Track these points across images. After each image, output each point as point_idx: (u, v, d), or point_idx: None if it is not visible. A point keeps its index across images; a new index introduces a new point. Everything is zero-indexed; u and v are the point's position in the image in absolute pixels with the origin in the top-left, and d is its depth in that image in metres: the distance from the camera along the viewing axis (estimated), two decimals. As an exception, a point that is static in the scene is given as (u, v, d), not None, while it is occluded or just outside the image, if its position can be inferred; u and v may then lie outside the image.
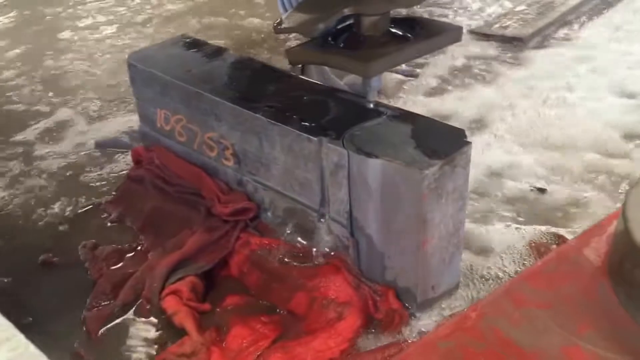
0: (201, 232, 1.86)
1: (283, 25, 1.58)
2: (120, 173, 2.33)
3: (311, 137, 1.63)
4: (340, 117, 1.71)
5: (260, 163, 1.81)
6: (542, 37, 3.19)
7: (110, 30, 3.75)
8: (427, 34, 1.60)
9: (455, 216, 1.61)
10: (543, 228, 1.98)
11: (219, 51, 2.12)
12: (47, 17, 4.02)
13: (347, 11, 1.53)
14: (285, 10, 1.75)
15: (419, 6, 3.46)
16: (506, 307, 1.67)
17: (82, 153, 2.50)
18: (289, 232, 1.82)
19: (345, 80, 2.63)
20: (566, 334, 1.60)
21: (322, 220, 1.71)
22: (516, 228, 1.99)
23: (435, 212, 1.54)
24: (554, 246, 1.92)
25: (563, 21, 3.29)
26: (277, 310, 1.73)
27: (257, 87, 1.89)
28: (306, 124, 1.68)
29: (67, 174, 2.39)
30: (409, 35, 1.63)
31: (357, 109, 1.74)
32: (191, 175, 2.01)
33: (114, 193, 2.23)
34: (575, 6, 3.38)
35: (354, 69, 1.55)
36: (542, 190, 2.13)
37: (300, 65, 2.45)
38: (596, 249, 1.80)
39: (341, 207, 1.65)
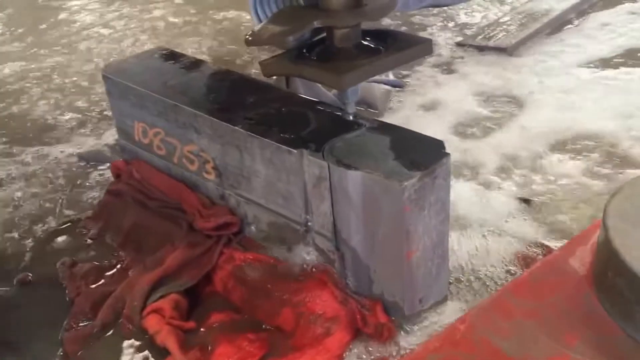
0: (183, 247, 1.83)
1: (254, 38, 1.55)
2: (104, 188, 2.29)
3: (291, 149, 1.60)
4: (320, 129, 1.68)
5: (241, 176, 1.78)
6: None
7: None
8: (399, 47, 1.58)
9: (438, 227, 1.59)
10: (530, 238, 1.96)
11: (196, 63, 2.09)
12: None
13: (317, 24, 1.51)
14: (260, 22, 1.72)
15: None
16: (494, 318, 1.65)
17: (64, 166, 2.46)
18: (273, 246, 1.79)
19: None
20: (554, 344, 1.59)
21: (306, 233, 1.68)
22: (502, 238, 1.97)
23: (418, 224, 1.51)
24: (541, 257, 1.91)
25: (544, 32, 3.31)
26: (264, 326, 1.70)
27: (235, 99, 1.86)
28: (286, 136, 1.66)
29: (47, 187, 2.35)
30: (381, 47, 1.61)
31: (336, 121, 1.71)
32: (172, 190, 1.98)
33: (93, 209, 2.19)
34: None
35: (327, 81, 1.54)
36: (527, 202, 2.11)
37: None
38: (581, 258, 1.80)
39: (325, 220, 1.63)
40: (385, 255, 1.56)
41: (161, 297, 1.73)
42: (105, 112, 2.81)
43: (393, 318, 1.63)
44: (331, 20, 1.51)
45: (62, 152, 2.57)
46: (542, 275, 1.75)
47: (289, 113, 1.76)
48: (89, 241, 2.08)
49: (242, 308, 1.75)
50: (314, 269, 1.68)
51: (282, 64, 1.59)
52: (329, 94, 2.50)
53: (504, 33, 3.28)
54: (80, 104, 2.96)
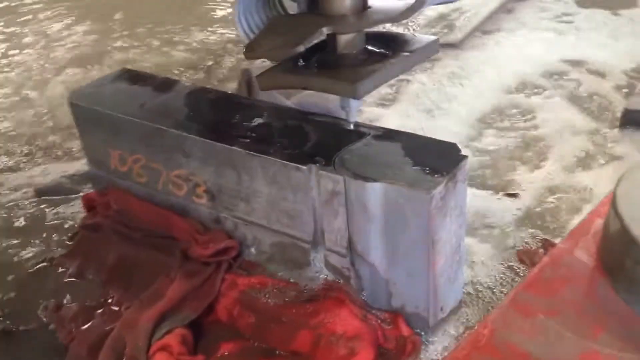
0: (181, 278, 1.72)
1: (253, 50, 1.47)
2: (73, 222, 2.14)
3: (300, 165, 1.52)
4: (324, 142, 1.62)
5: (239, 198, 1.69)
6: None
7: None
8: (406, 49, 1.53)
9: (457, 232, 1.55)
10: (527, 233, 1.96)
11: (168, 83, 1.98)
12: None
13: (326, 30, 1.44)
14: (246, 33, 1.63)
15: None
16: (515, 319, 1.62)
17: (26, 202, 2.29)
18: (278, 267, 1.70)
19: (293, 100, 2.54)
20: (581, 340, 1.57)
21: (316, 252, 1.61)
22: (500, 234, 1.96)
23: (442, 232, 1.47)
24: (541, 250, 1.90)
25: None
26: (277, 352, 1.61)
27: (223, 117, 1.76)
28: (289, 152, 1.58)
29: (11, 226, 2.18)
30: (387, 51, 1.55)
31: (337, 132, 1.65)
32: (158, 218, 1.86)
33: (68, 243, 2.04)
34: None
35: (340, 90, 1.46)
36: (513, 195, 2.10)
37: (246, 87, 2.34)
38: (586, 248, 1.79)
39: (339, 236, 1.56)
40: (409, 266, 1.50)
41: (166, 333, 1.61)
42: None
43: (416, 330, 1.57)
44: (340, 26, 1.44)
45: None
46: (552, 270, 1.73)
47: (285, 127, 1.69)
48: (69, 281, 1.93)
49: (252, 335, 1.66)
50: (329, 288, 1.61)
51: (282, 76, 1.51)
52: (287, 102, 2.44)
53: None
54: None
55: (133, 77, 2.04)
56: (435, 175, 1.44)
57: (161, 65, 3.23)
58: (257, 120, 1.72)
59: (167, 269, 1.77)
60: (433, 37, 1.56)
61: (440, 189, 1.41)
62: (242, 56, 2.96)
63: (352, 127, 1.64)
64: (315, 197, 1.56)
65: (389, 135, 1.61)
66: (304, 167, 1.52)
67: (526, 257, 1.89)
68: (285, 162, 1.54)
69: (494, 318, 1.65)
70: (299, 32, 1.43)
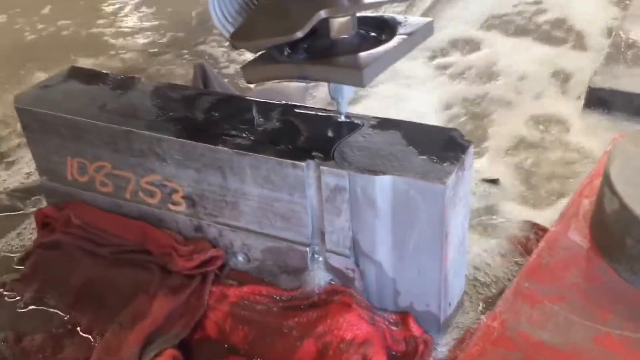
0: (165, 295, 1.57)
1: (250, 39, 1.34)
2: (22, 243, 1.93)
3: (297, 162, 1.41)
4: (317, 135, 1.50)
5: (224, 202, 1.55)
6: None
7: None
8: (402, 32, 1.44)
9: (463, 223, 1.48)
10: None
11: (128, 81, 1.81)
12: None
13: (323, 14, 1.33)
14: (221, 22, 1.50)
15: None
16: (522, 309, 1.57)
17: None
18: (271, 275, 1.58)
19: (250, 95, 2.41)
20: (591, 324, 1.54)
21: (316, 254, 1.50)
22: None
23: (452, 223, 1.39)
24: (532, 236, 1.86)
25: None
26: (278, 365, 1.49)
27: (200, 114, 1.62)
28: (282, 148, 1.46)
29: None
30: (381, 35, 1.46)
31: (329, 124, 1.54)
32: (129, 230, 1.70)
33: (17, 267, 1.84)
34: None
35: (344, 78, 1.35)
36: (494, 182, 2.06)
37: (200, 78, 2.20)
38: (579, 230, 1.78)
39: (341, 237, 1.45)
40: (419, 262, 1.42)
41: (155, 355, 1.46)
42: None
43: (426, 328, 1.49)
44: (337, 8, 1.32)
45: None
46: (550, 255, 1.70)
47: (272, 122, 1.56)
48: (25, 308, 1.73)
49: (248, 350, 1.53)
50: (332, 292, 1.50)
51: (272, 67, 1.39)
52: (236, 93, 2.32)
53: None
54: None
55: (85, 76, 1.86)
56: (445, 164, 1.36)
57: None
58: (239, 116, 1.58)
59: (145, 285, 1.62)
60: (427, 19, 1.47)
61: (453, 178, 1.33)
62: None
63: (343, 118, 1.54)
64: (314, 196, 1.44)
65: (385, 124, 1.52)
66: (302, 164, 1.40)
67: (518, 243, 1.84)
68: (280, 159, 1.42)
69: (502, 309, 1.59)
70: (295, 16, 1.31)
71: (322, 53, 1.40)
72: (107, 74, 1.85)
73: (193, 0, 3.46)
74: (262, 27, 1.37)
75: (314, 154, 1.42)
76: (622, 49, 2.57)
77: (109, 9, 3.64)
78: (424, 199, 1.33)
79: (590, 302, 1.58)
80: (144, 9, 3.60)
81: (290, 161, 1.41)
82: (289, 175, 1.43)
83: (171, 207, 1.64)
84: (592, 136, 2.28)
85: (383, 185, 1.35)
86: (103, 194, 1.72)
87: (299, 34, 1.29)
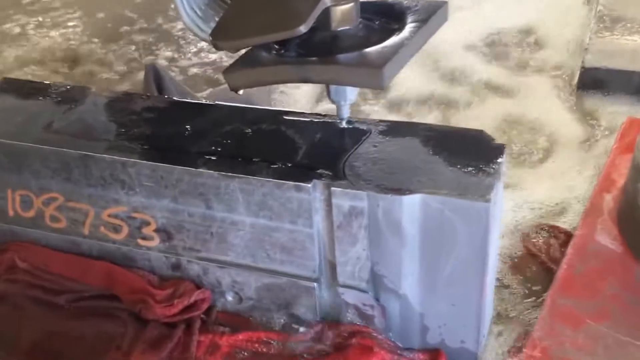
0: (142, 350, 1.29)
1: (240, 37, 1.07)
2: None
3: (300, 183, 1.15)
4: (319, 148, 1.25)
5: (208, 234, 1.28)
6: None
7: None
8: (414, 19, 1.19)
9: (496, 241, 1.25)
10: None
11: (74, 92, 1.51)
12: None
13: (329, 1, 1.07)
14: (189, 17, 1.23)
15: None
16: (563, 332, 1.35)
17: None
18: (271, 315, 1.32)
19: (209, 94, 2.14)
20: (645, 345, 1.35)
21: (325, 290, 1.25)
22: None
23: (492, 244, 1.16)
24: (553, 240, 1.65)
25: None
26: None
27: (171, 129, 1.34)
28: (279, 166, 1.20)
29: None
30: (389, 24, 1.21)
31: (330, 132, 1.29)
32: (90, 273, 1.41)
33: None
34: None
35: (359, 79, 1.10)
36: None
37: (153, 82, 1.92)
38: (606, 231, 1.57)
39: (357, 268, 1.21)
40: (454, 293, 1.19)
41: None
42: None
43: (461, 368, 1.26)
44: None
45: None
46: (581, 263, 1.50)
47: (260, 134, 1.30)
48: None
49: (249, 409, 1.27)
50: (349, 334, 1.25)
51: (264, 70, 1.12)
52: (196, 96, 2.05)
53: None
54: None
55: (19, 88, 1.54)
56: (482, 175, 1.13)
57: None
58: (219, 129, 1.31)
59: (117, 340, 1.33)
60: (440, 1, 1.23)
61: (495, 193, 1.10)
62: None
63: (344, 124, 1.29)
64: (322, 222, 1.19)
65: (396, 128, 1.28)
66: (307, 185, 1.15)
67: (535, 248, 1.63)
68: (279, 180, 1.16)
69: (541, 334, 1.37)
70: (293, 7, 1.05)
71: (322, 49, 1.14)
72: (48, 84, 1.55)
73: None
74: (253, 21, 1.10)
75: (319, 171, 1.17)
76: (608, 23, 2.38)
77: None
78: (463, 220, 1.09)
79: (638, 317, 1.39)
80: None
81: (292, 183, 1.15)
82: (291, 200, 1.17)
83: (141, 242, 1.36)
84: (594, 122, 2.08)
85: (412, 206, 1.11)
86: (55, 230, 1.42)
87: (303, 28, 1.03)
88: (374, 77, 1.05)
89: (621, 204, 1.58)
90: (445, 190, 1.10)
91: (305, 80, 1.11)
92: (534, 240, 1.64)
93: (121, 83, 2.44)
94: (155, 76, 1.94)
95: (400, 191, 1.10)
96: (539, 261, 1.61)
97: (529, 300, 1.51)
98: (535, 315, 1.47)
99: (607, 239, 1.55)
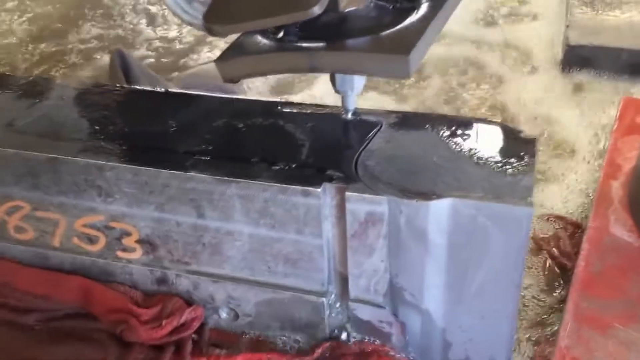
0: (128, 379, 1.13)
1: (233, 23, 0.91)
2: None
3: (308, 187, 1.00)
4: (325, 145, 1.10)
5: (200, 245, 1.12)
6: None
7: None
8: (430, -4, 1.04)
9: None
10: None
11: (39, 83, 1.33)
12: None
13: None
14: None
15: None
16: (592, 338, 1.23)
17: None
18: (272, 334, 1.18)
19: (175, 83, 1.97)
20: (680, 348, 1.24)
21: (336, 305, 1.11)
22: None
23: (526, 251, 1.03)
24: (562, 234, 1.54)
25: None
26: None
27: (152, 125, 1.17)
28: (282, 167, 1.04)
29: None
30: (406, 3, 1.05)
31: (334, 125, 1.14)
32: (62, 289, 1.24)
33: None
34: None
35: (381, 68, 0.94)
36: None
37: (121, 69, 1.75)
38: (620, 222, 1.46)
39: (373, 281, 1.06)
40: (484, 306, 1.05)
41: None
42: None
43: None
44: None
45: None
46: (599, 259, 1.39)
47: (253, 130, 1.14)
48: None
49: None
50: (362, 354, 1.11)
51: (267, 57, 0.96)
52: (168, 84, 1.89)
53: None
54: None
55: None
56: (518, 174, 0.99)
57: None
58: (208, 124, 1.15)
59: (95, 365, 1.17)
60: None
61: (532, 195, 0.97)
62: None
63: (350, 116, 1.13)
64: (331, 230, 1.05)
65: (410, 120, 1.13)
66: (317, 190, 0.99)
67: (544, 242, 1.52)
68: (284, 185, 1.01)
69: (568, 343, 1.25)
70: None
71: (330, 33, 0.99)
72: (7, 75, 1.36)
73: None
74: (255, 2, 0.93)
75: (329, 172, 1.02)
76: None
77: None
78: (500, 227, 0.95)
79: (669, 317, 1.28)
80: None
81: (299, 187, 1.00)
82: (298, 206, 1.02)
83: (121, 254, 1.19)
84: (584, 104, 1.97)
85: (439, 212, 0.96)
86: (20, 242, 1.25)
87: (317, 9, 0.88)
88: (399, 65, 0.89)
89: (632, 191, 1.48)
90: (478, 194, 0.96)
91: (312, 70, 0.96)
92: (542, 234, 1.52)
93: (83, 69, 2.25)
94: (122, 62, 1.76)
95: (426, 195, 0.96)
96: (551, 256, 1.50)
97: (546, 300, 1.40)
98: (555, 317, 1.36)
99: (622, 230, 1.45)
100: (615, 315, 1.28)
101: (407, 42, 0.91)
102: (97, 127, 1.17)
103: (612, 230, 1.45)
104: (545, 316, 1.37)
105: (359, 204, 0.99)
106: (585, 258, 1.40)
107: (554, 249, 1.50)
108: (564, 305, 1.33)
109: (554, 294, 1.41)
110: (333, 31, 0.99)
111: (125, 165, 1.08)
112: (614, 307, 1.30)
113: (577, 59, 2.10)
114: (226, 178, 1.03)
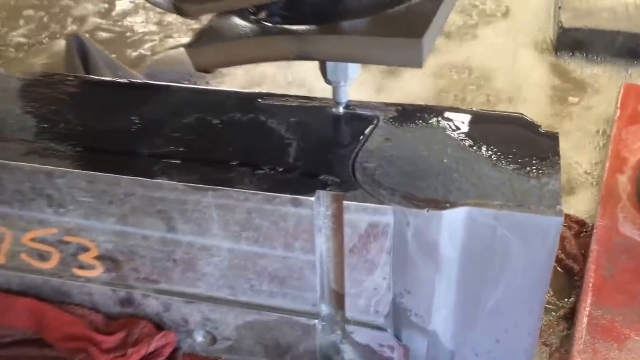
0: (89, 419, 0.97)
1: (212, 1, 0.75)
2: None
3: (299, 196, 0.85)
4: (314, 143, 0.95)
5: (170, 261, 0.97)
6: None
7: None
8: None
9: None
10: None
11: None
12: None
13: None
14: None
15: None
16: (609, 352, 1.12)
17: None
18: (255, 357, 1.03)
19: (147, 70, 1.80)
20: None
21: (330, 327, 0.97)
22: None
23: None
24: (567, 231, 1.42)
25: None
26: None
27: (112, 122, 1.01)
28: (267, 171, 0.89)
29: None
30: None
31: (327, 122, 0.99)
32: (10, 312, 1.07)
33: None
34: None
35: (389, 55, 0.78)
36: None
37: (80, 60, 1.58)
38: (630, 219, 1.35)
39: (373, 301, 0.92)
40: (500, 327, 0.92)
41: None
42: None
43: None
44: None
45: None
46: (609, 262, 1.28)
47: (231, 127, 0.98)
48: None
49: None
50: (361, 382, 0.98)
51: (248, 43, 0.80)
52: (133, 73, 1.73)
53: None
54: None
55: None
56: (540, 177, 0.85)
57: None
58: (178, 120, 0.99)
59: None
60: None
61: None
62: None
63: (342, 109, 0.99)
64: (324, 244, 0.90)
65: (409, 114, 0.99)
66: (309, 199, 0.84)
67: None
68: (270, 193, 0.86)
69: (584, 359, 1.15)
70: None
71: (321, 14, 0.83)
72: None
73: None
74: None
75: (322, 177, 0.87)
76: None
77: None
78: (523, 239, 0.82)
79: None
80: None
81: (288, 195, 0.85)
82: (286, 218, 0.87)
83: (78, 272, 1.03)
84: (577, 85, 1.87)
85: (453, 223, 0.82)
86: (-41, 259, 1.08)
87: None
88: (410, 50, 0.74)
89: (638, 184, 1.38)
90: (497, 201, 0.82)
91: (302, 57, 0.80)
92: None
93: (36, 56, 2.06)
94: (80, 48, 1.58)
95: (438, 204, 0.82)
96: (556, 259, 1.37)
97: (554, 308, 1.28)
98: (566, 325, 1.24)
99: (632, 229, 1.34)
100: (630, 325, 1.17)
101: (418, 23, 0.76)
102: (45, 125, 0.99)
103: (621, 229, 1.34)
104: (555, 325, 1.25)
105: (360, 214, 0.84)
106: (595, 261, 1.28)
107: (559, 250, 1.38)
108: (575, 313, 1.22)
109: (562, 302, 1.29)
110: (326, 11, 0.83)
111: (79, 170, 0.91)
112: (628, 315, 1.19)
113: (571, 42, 1.99)
114: (201, 185, 0.87)
